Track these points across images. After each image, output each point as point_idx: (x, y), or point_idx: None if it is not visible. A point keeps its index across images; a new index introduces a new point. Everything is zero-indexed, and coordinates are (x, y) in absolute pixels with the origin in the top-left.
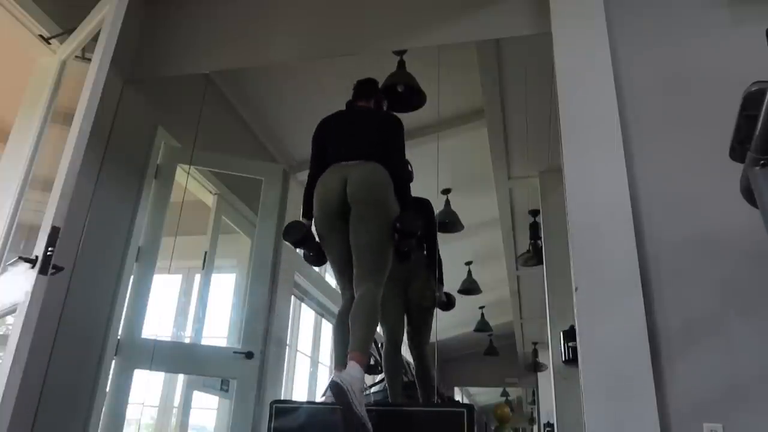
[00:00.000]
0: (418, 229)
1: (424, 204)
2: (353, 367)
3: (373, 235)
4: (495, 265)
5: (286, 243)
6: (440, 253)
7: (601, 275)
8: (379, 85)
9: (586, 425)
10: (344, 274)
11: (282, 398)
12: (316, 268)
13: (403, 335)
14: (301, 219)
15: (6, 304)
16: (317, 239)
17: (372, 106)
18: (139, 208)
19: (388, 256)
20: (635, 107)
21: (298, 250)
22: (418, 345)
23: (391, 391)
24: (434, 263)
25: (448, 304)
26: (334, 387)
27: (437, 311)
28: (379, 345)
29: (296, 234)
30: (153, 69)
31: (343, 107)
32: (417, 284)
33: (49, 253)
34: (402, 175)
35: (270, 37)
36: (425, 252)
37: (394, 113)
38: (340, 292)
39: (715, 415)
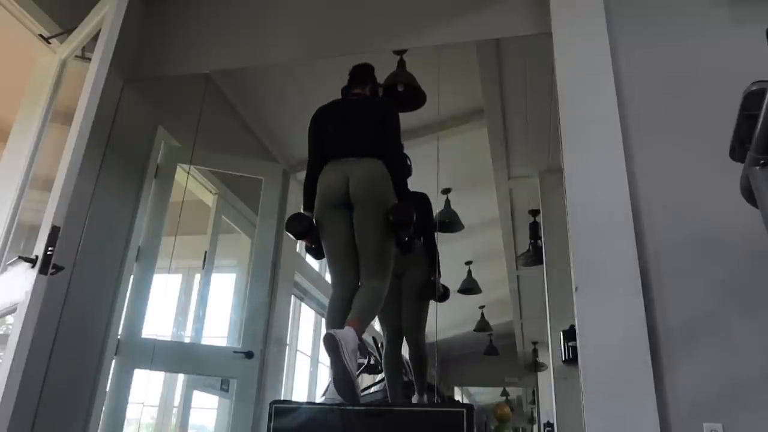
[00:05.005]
0: (411, 217)
1: (421, 197)
2: (348, 329)
3: (376, 234)
4: (495, 265)
5: (286, 243)
6: (439, 250)
7: (601, 275)
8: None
9: (586, 425)
10: (340, 262)
11: (282, 398)
12: (316, 268)
13: (402, 336)
14: (303, 211)
15: (6, 304)
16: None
17: (367, 92)
18: (139, 207)
19: (392, 252)
20: (635, 107)
21: (299, 242)
22: (415, 333)
23: (391, 391)
24: (432, 255)
25: (443, 295)
26: (328, 338)
27: (433, 305)
28: (379, 345)
29: (299, 226)
30: (153, 69)
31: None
32: (414, 274)
33: (49, 252)
34: (399, 169)
35: (270, 37)
36: (423, 244)
37: (389, 103)
38: (331, 282)
39: (715, 415)
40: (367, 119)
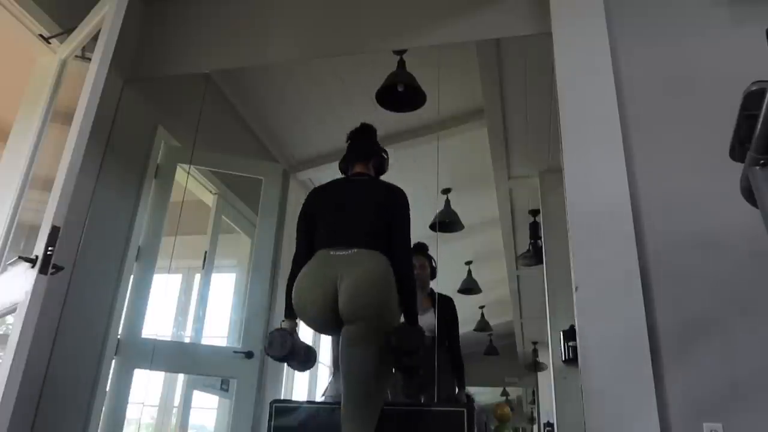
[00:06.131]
0: (418, 346)
1: (446, 302)
2: None
3: (367, 363)
4: (495, 265)
5: (286, 243)
6: (440, 250)
7: (601, 275)
8: (379, 86)
9: (586, 425)
10: None
11: (282, 398)
12: None
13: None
14: (282, 321)
15: (6, 304)
16: (303, 342)
17: (371, 171)
18: (139, 207)
19: (384, 387)
20: (635, 107)
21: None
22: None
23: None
24: (457, 363)
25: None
26: None
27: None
28: None
29: (281, 349)
30: (153, 69)
31: (342, 108)
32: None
33: (49, 252)
34: (408, 271)
35: (270, 36)
36: (448, 350)
37: (399, 187)
38: None
39: (715, 414)
40: (370, 206)
